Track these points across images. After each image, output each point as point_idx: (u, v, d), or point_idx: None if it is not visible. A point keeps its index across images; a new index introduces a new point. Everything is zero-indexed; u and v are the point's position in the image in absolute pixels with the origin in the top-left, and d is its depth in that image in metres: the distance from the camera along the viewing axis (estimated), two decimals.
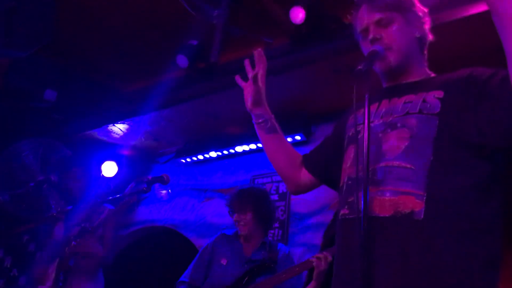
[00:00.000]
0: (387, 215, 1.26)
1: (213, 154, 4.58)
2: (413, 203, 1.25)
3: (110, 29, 3.70)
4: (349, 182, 1.42)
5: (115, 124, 4.39)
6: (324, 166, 1.67)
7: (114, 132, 4.53)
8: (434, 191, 1.25)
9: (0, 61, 3.93)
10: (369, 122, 1.26)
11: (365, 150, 1.23)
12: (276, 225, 3.97)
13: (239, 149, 4.41)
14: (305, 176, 1.72)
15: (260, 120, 1.72)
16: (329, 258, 2.59)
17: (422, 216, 1.23)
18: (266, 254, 2.84)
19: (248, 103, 1.70)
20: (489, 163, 1.30)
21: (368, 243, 1.20)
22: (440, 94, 1.37)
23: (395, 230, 1.25)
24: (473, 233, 1.24)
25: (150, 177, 2.54)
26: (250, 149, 4.36)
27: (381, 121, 1.43)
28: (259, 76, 1.66)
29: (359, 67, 1.29)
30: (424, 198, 1.24)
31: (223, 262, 2.84)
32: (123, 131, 4.50)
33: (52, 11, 3.13)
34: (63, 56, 4.04)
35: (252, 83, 1.67)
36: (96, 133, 4.55)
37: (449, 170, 1.28)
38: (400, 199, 1.26)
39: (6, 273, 4.36)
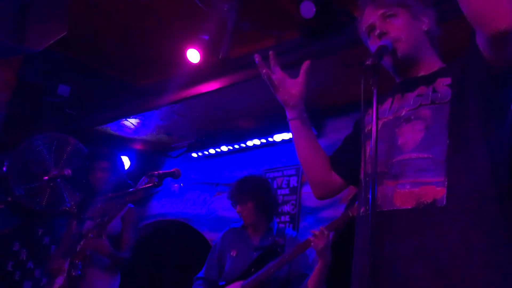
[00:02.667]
0: (409, 207, 1.27)
1: (224, 148, 4.59)
2: (434, 191, 1.26)
3: (122, 24, 3.72)
4: (367, 178, 1.42)
5: (128, 119, 4.43)
6: (351, 168, 1.62)
7: (126, 127, 4.57)
8: (454, 175, 1.26)
9: (14, 56, 3.98)
10: (377, 117, 1.26)
11: (372, 146, 1.24)
12: (287, 219, 3.99)
13: (250, 143, 4.42)
14: (335, 179, 1.66)
15: (305, 115, 1.63)
16: (325, 232, 2.53)
17: (444, 202, 1.24)
18: (272, 239, 2.86)
19: (297, 97, 1.60)
20: (498, 142, 1.31)
21: (374, 239, 1.19)
22: (447, 80, 1.39)
23: (418, 221, 1.25)
24: (495, 211, 1.25)
25: (161, 172, 2.55)
26: (261, 143, 4.37)
27: (395, 116, 1.44)
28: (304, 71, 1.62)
29: (367, 63, 1.29)
30: (446, 183, 1.25)
31: (233, 253, 2.90)
32: (135, 126, 4.54)
33: (65, 7, 3.16)
34: (76, 52, 4.08)
35: (303, 79, 1.60)
36: (109, 128, 4.60)
37: (466, 152, 1.29)
38: (422, 190, 1.27)
39: (22, 265, 4.44)
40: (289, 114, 1.63)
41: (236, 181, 3.03)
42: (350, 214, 2.57)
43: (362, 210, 1.42)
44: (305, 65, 1.62)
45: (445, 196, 1.24)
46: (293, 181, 4.10)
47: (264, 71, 1.59)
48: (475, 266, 1.19)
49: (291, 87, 1.61)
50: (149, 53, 4.02)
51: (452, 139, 1.30)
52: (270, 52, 1.61)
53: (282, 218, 4.01)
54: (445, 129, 1.31)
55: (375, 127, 1.25)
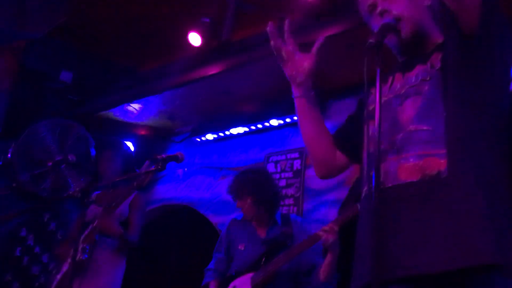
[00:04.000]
0: (414, 180, 1.26)
1: (227, 132, 4.59)
2: (438, 163, 1.25)
3: (123, 9, 3.70)
4: (370, 157, 1.40)
5: (131, 104, 4.42)
6: (356, 146, 1.59)
7: (129, 112, 4.56)
8: (453, 146, 1.26)
9: (17, 43, 3.97)
10: (380, 97, 1.25)
11: (376, 125, 1.22)
12: (291, 201, 3.99)
13: (253, 127, 4.42)
14: (340, 158, 1.64)
15: (312, 93, 1.58)
16: (335, 228, 2.55)
17: (447, 173, 1.23)
18: (279, 230, 2.85)
19: (305, 73, 1.54)
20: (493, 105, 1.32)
21: (380, 219, 1.18)
22: (441, 54, 1.38)
23: (425, 193, 1.24)
24: (497, 175, 1.26)
25: (164, 156, 2.55)
26: (264, 126, 4.36)
27: (396, 94, 1.43)
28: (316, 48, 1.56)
29: (370, 41, 1.27)
30: (447, 155, 1.25)
31: (241, 247, 2.89)
32: (138, 111, 4.53)
33: None
34: (77, 37, 4.07)
35: (316, 53, 1.55)
36: (111, 113, 4.60)
37: (463, 121, 1.28)
38: (425, 162, 1.26)
39: (30, 251, 4.49)
40: (295, 92, 1.58)
41: (235, 175, 3.01)
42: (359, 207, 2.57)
43: (365, 189, 1.41)
44: (320, 41, 1.56)
45: (446, 167, 1.24)
46: (297, 164, 4.10)
47: (273, 41, 1.53)
48: (483, 232, 1.18)
49: (300, 63, 1.54)
50: (150, 38, 3.99)
51: (449, 111, 1.29)
52: (286, 21, 1.54)
53: (286, 201, 4.02)
54: (441, 101, 1.31)
55: (378, 106, 1.23)
